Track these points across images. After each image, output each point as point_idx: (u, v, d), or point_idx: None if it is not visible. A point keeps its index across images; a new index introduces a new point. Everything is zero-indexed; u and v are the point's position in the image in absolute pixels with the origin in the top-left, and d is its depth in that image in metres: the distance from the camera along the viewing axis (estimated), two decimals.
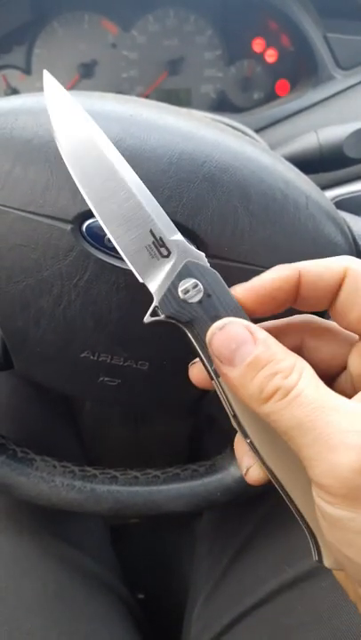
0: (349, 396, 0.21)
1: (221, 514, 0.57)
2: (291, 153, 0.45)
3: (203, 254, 0.25)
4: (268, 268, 0.30)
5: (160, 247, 0.24)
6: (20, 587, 0.43)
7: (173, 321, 0.24)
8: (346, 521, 0.20)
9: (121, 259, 0.29)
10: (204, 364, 0.25)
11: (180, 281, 0.24)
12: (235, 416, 0.24)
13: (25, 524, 0.48)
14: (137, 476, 0.39)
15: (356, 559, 0.20)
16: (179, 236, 0.25)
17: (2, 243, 0.29)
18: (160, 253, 0.24)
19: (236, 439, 0.27)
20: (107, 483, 0.39)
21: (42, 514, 0.49)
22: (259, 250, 0.30)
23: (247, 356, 0.21)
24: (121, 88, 0.68)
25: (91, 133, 0.25)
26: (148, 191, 0.25)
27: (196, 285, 0.24)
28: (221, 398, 0.25)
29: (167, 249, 0.24)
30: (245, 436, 0.24)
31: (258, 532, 0.49)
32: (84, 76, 0.67)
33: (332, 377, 0.26)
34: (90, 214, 0.28)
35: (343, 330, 0.25)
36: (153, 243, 0.24)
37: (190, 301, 0.24)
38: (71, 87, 0.67)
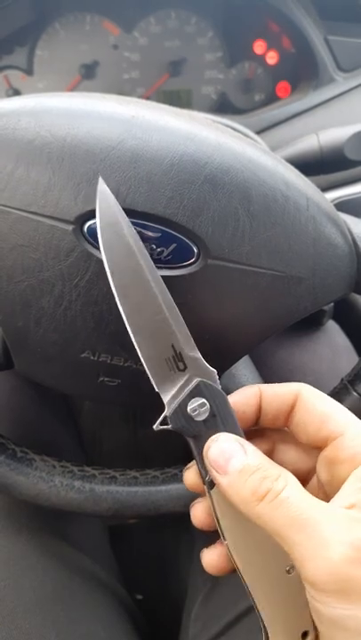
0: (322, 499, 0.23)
1: None
2: (291, 155, 0.45)
3: (215, 372, 0.27)
4: (268, 269, 0.30)
5: (178, 361, 0.27)
6: (18, 586, 0.43)
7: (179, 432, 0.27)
8: (344, 620, 0.20)
9: None
10: (200, 474, 0.27)
11: (191, 399, 0.26)
12: (218, 524, 0.27)
13: (24, 523, 0.48)
14: (136, 476, 0.39)
15: None
16: (196, 353, 0.27)
17: (3, 243, 0.29)
18: (177, 367, 0.27)
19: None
20: (106, 483, 0.39)
21: (41, 514, 0.49)
22: (259, 251, 0.30)
23: (239, 465, 0.24)
24: (122, 89, 0.68)
25: (135, 251, 0.27)
26: (174, 306, 0.27)
27: (203, 405, 0.26)
28: (211, 508, 0.27)
29: (184, 363, 0.27)
30: (223, 538, 0.27)
31: None
32: (85, 77, 0.67)
33: (302, 481, 0.28)
34: (91, 215, 0.28)
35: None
36: (172, 357, 0.27)
37: (196, 419, 0.26)
38: (72, 88, 0.67)
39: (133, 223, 0.29)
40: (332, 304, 0.40)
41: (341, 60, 0.62)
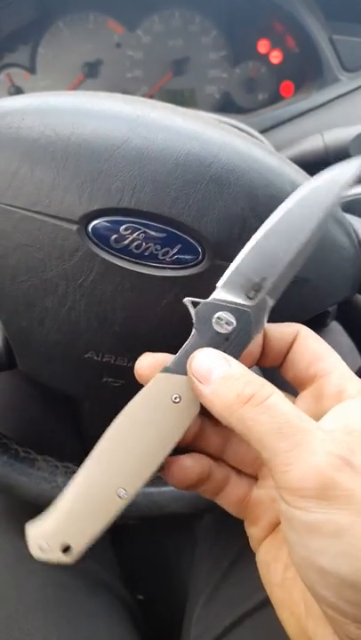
0: None
1: (222, 515, 0.56)
2: (296, 155, 0.45)
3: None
4: None
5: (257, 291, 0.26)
6: (20, 587, 0.43)
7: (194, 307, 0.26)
8: (321, 524, 0.20)
9: (127, 260, 0.29)
10: None
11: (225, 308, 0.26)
12: None
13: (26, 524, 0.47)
14: None
15: (330, 567, 0.20)
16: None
17: (7, 242, 0.29)
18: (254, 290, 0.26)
19: None
20: None
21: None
22: None
23: (222, 373, 0.24)
24: (126, 88, 0.67)
25: None
26: None
27: (230, 324, 0.26)
28: None
29: (256, 292, 0.26)
30: None
31: None
32: (88, 76, 0.67)
33: None
34: (96, 215, 0.28)
35: None
36: (256, 283, 0.26)
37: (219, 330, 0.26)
38: (75, 87, 0.67)
39: (138, 223, 0.28)
40: (335, 305, 0.39)
41: (346, 59, 0.62)
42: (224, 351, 0.25)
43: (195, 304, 0.26)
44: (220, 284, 0.26)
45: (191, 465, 0.28)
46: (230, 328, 0.25)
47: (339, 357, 0.27)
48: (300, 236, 0.26)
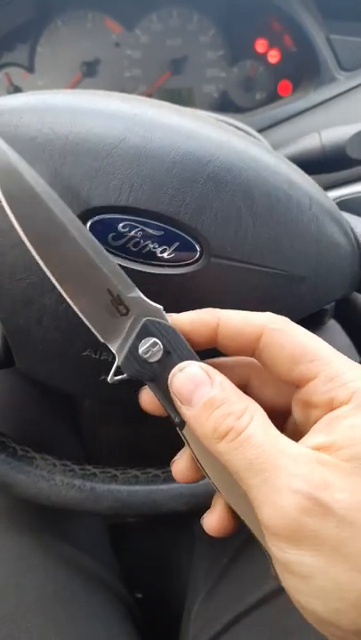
0: (298, 439, 0.22)
1: None
2: (293, 154, 0.45)
3: (161, 308, 0.25)
4: (271, 268, 0.30)
5: (118, 305, 0.25)
6: (19, 586, 0.43)
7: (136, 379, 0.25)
8: (294, 565, 0.20)
9: (124, 258, 0.29)
10: (170, 417, 0.26)
11: (140, 341, 0.25)
12: (197, 460, 0.26)
13: (25, 523, 0.48)
14: (137, 475, 0.39)
15: (307, 606, 0.20)
16: (136, 292, 0.25)
17: (5, 240, 0.29)
18: (119, 311, 0.25)
19: None
20: (107, 481, 0.38)
21: (42, 513, 0.49)
22: (262, 250, 0.30)
23: (204, 397, 0.22)
24: (124, 87, 0.67)
25: (41, 195, 0.25)
26: (101, 247, 0.25)
27: (155, 344, 0.25)
28: (189, 451, 0.26)
29: (125, 306, 0.25)
30: (207, 476, 0.26)
31: None
32: (86, 75, 0.67)
33: (283, 416, 0.27)
34: (94, 212, 0.28)
35: None
36: (111, 301, 0.25)
37: (151, 361, 0.25)
38: (73, 86, 0.67)
39: (136, 221, 0.29)
40: (333, 303, 0.40)
41: (343, 58, 0.62)
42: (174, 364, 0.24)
43: (120, 372, 0.25)
44: (102, 340, 0.25)
45: None
46: (159, 343, 0.24)
47: (322, 350, 0.23)
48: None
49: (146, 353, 0.25)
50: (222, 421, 0.22)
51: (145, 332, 0.25)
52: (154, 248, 0.29)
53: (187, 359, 0.25)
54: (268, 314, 0.25)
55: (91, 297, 0.25)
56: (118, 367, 0.25)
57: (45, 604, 0.43)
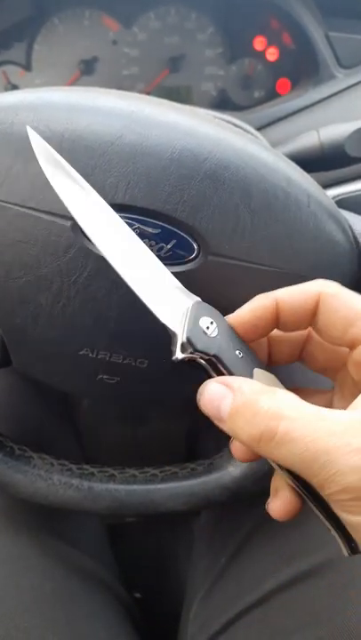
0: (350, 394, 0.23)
1: (219, 513, 0.57)
2: (292, 151, 0.44)
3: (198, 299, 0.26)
4: (268, 266, 0.30)
5: (173, 289, 0.26)
6: (17, 585, 0.43)
7: (199, 356, 0.25)
8: None
9: None
10: None
11: (200, 318, 0.25)
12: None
13: (23, 522, 0.47)
14: (135, 474, 0.39)
15: None
16: (178, 284, 0.27)
17: (1, 238, 0.29)
18: (174, 295, 0.26)
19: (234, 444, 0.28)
20: (104, 481, 0.38)
21: (40, 512, 0.49)
22: (260, 248, 0.30)
23: (228, 409, 0.23)
24: (122, 85, 0.67)
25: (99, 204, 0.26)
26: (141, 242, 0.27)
27: (212, 322, 0.25)
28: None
29: (176, 293, 0.26)
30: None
31: (256, 532, 0.49)
32: (84, 73, 0.66)
33: (336, 374, 0.27)
34: None
35: None
36: (175, 287, 0.26)
37: (212, 336, 0.25)
38: (71, 84, 0.67)
39: (132, 219, 0.28)
40: None
41: (342, 56, 0.62)
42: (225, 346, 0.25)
43: (185, 349, 0.25)
44: (163, 321, 0.26)
45: None
46: (215, 323, 0.25)
47: None
48: None
49: (207, 329, 0.25)
50: (253, 426, 0.22)
51: (201, 312, 0.25)
52: (151, 246, 0.29)
53: (234, 341, 0.25)
54: (321, 280, 0.25)
55: (154, 282, 0.26)
56: (184, 343, 0.25)
57: (44, 604, 0.43)
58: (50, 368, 0.34)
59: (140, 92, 0.68)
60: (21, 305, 0.31)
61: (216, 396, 0.23)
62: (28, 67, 0.66)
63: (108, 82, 0.67)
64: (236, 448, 0.28)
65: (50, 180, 0.26)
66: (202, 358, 0.25)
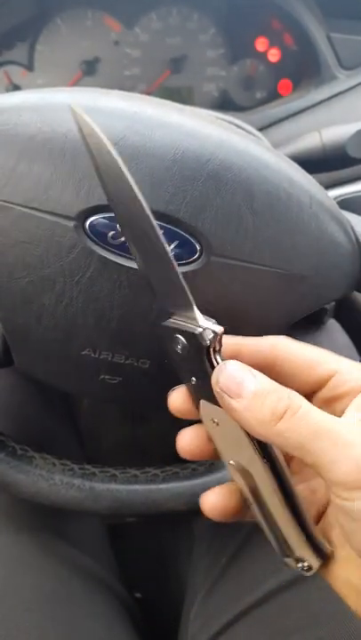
0: None
1: None
2: (294, 152, 0.45)
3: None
4: (270, 267, 0.30)
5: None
6: (18, 585, 0.43)
7: (217, 345, 0.25)
8: None
9: (124, 257, 0.29)
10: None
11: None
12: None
13: (24, 522, 0.47)
14: (136, 474, 0.39)
15: None
16: None
17: (4, 239, 0.29)
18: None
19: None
20: (106, 481, 0.38)
21: (41, 512, 0.49)
22: (262, 249, 0.30)
23: (253, 387, 0.24)
24: (123, 86, 0.67)
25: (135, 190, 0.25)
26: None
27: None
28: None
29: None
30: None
31: (256, 532, 0.49)
32: (86, 74, 0.66)
33: None
34: (93, 211, 0.28)
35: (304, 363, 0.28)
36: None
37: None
38: (73, 84, 0.67)
39: None
40: (333, 302, 0.40)
41: (344, 57, 0.62)
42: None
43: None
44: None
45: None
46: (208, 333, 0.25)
47: (334, 355, 0.27)
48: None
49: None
50: (277, 403, 0.23)
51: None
52: None
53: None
54: (274, 338, 0.27)
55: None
56: (194, 335, 0.25)
57: (44, 604, 0.43)
58: (52, 368, 0.34)
59: (142, 92, 0.68)
60: (24, 305, 0.31)
61: (240, 372, 0.24)
62: (30, 67, 0.66)
63: (110, 82, 0.67)
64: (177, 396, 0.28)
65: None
66: (214, 349, 0.25)
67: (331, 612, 0.39)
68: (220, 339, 0.25)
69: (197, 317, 0.26)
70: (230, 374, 0.24)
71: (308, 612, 0.40)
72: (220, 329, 0.25)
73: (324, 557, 0.26)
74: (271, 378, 0.26)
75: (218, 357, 0.25)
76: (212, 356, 0.25)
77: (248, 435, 0.25)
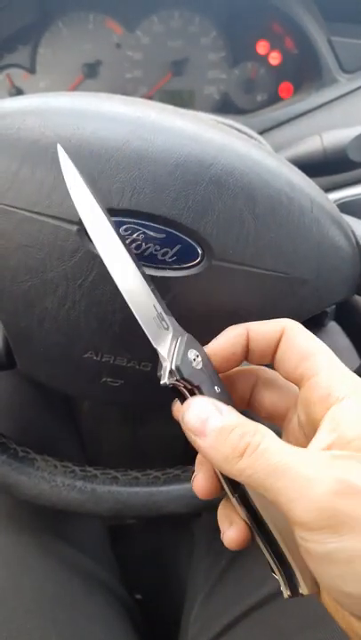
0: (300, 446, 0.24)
1: None
2: (295, 156, 0.45)
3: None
4: (272, 270, 0.30)
5: (161, 320, 0.27)
6: (19, 587, 0.43)
7: (182, 385, 0.26)
8: (335, 553, 0.20)
9: None
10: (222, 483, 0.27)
11: (188, 350, 0.26)
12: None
13: (25, 523, 0.48)
14: (137, 476, 0.39)
15: (353, 591, 0.21)
16: (170, 315, 0.28)
17: (8, 242, 0.29)
18: (163, 325, 0.27)
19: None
20: (107, 483, 0.39)
21: (42, 514, 0.49)
22: (264, 253, 0.30)
23: (217, 424, 0.24)
24: (125, 89, 0.68)
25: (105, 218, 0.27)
26: (142, 272, 0.27)
27: (198, 355, 0.26)
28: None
29: (166, 323, 0.27)
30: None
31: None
32: (88, 77, 0.67)
33: (283, 421, 0.29)
34: None
35: (286, 381, 0.28)
36: (157, 315, 0.27)
37: (197, 368, 0.26)
38: (75, 87, 0.67)
39: (138, 224, 0.29)
40: (333, 305, 0.40)
41: (344, 61, 0.62)
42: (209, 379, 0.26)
43: (173, 375, 0.26)
44: (154, 345, 0.27)
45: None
46: (200, 357, 0.26)
47: (327, 355, 0.26)
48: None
49: (194, 360, 0.26)
50: (239, 440, 0.23)
51: (190, 344, 0.27)
52: (155, 251, 0.29)
53: (214, 374, 0.27)
54: (288, 319, 0.27)
55: (144, 309, 0.27)
56: (172, 370, 0.26)
57: (45, 605, 0.43)
58: (54, 371, 0.34)
59: (143, 95, 0.68)
60: (27, 308, 0.31)
61: (205, 410, 0.24)
62: (32, 70, 0.66)
63: (112, 85, 0.67)
64: (198, 483, 0.28)
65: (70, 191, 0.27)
66: (185, 387, 0.26)
67: (330, 614, 0.39)
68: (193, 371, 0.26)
69: (160, 356, 0.27)
70: (195, 413, 0.24)
71: (308, 614, 0.40)
72: (177, 366, 0.26)
73: (296, 593, 0.26)
74: (277, 366, 0.27)
75: (188, 393, 0.26)
76: (183, 393, 0.26)
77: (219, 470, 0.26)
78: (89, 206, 0.26)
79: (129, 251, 0.27)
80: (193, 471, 0.39)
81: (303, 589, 0.25)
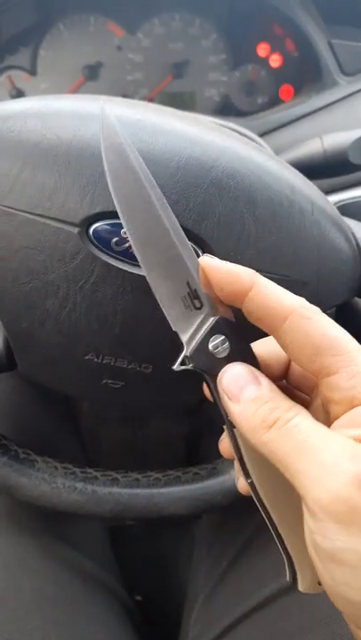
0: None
1: (221, 516, 0.57)
2: (295, 158, 0.45)
3: (230, 309, 0.25)
4: (273, 273, 0.30)
5: (194, 299, 0.25)
6: (19, 588, 0.43)
7: (200, 371, 0.25)
8: (343, 553, 0.19)
9: (128, 262, 0.29)
10: (222, 414, 0.26)
11: (211, 336, 0.25)
12: (241, 459, 0.26)
13: (25, 525, 0.48)
14: (138, 478, 0.40)
15: (356, 599, 0.20)
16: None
17: (9, 244, 0.29)
18: (193, 305, 0.25)
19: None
20: (108, 485, 0.39)
21: (42, 515, 0.49)
22: (264, 255, 0.30)
23: (252, 394, 0.23)
24: (125, 91, 0.68)
25: (142, 180, 0.25)
26: (187, 242, 0.26)
27: (224, 342, 0.25)
28: (232, 446, 0.26)
29: (200, 301, 0.25)
30: (247, 476, 0.26)
31: (257, 536, 0.49)
32: (88, 79, 0.67)
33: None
34: (97, 218, 0.28)
35: None
36: (188, 294, 0.25)
37: (218, 357, 0.25)
38: (75, 89, 0.67)
39: None
40: (334, 308, 0.40)
41: (345, 63, 0.63)
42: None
43: (185, 363, 0.25)
44: (174, 329, 0.25)
45: None
46: (227, 342, 0.25)
47: (345, 344, 0.23)
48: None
49: (215, 348, 0.25)
50: (270, 413, 0.22)
51: (216, 329, 0.25)
52: None
53: (249, 359, 0.25)
54: (302, 299, 0.24)
55: (171, 286, 0.25)
56: (186, 357, 0.25)
57: (45, 607, 0.43)
58: (55, 372, 0.34)
59: (144, 97, 0.68)
60: (28, 310, 0.31)
61: (243, 378, 0.24)
62: (33, 71, 0.67)
63: (112, 87, 0.68)
64: (225, 444, 0.28)
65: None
66: (205, 373, 0.25)
67: (331, 615, 0.39)
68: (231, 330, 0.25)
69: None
70: (234, 377, 0.24)
71: (309, 615, 0.40)
72: (190, 354, 0.25)
73: (296, 586, 0.25)
74: (278, 341, 0.24)
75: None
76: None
77: (236, 448, 0.25)
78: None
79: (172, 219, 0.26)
80: (194, 472, 0.39)
81: (301, 586, 0.25)
